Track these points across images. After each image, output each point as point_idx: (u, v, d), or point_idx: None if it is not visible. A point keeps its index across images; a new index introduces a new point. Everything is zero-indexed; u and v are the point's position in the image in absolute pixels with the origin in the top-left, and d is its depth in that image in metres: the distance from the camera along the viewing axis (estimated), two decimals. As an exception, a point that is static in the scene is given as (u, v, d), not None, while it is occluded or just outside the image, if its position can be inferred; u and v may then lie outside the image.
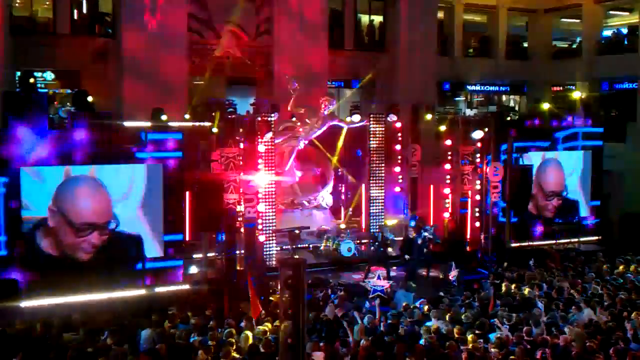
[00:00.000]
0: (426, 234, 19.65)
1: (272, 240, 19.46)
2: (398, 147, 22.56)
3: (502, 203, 21.19)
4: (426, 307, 14.48)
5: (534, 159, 22.18)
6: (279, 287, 10.10)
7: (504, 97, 36.77)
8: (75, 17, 25.12)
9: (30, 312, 14.66)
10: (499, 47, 33.55)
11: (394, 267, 19.73)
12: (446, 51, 32.02)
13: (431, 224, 21.27)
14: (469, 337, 12.11)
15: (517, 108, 36.28)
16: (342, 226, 22.38)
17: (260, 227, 18.82)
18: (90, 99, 17.77)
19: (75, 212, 15.54)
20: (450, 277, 18.48)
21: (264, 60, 26.07)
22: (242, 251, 18.02)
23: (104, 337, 12.58)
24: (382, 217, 22.10)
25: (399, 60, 28.34)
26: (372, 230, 21.75)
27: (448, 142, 21.95)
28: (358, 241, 21.37)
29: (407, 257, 19.27)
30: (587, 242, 23.11)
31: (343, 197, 24.25)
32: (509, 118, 27.62)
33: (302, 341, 9.12)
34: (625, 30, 32.73)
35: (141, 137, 16.17)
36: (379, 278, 17.35)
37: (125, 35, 23.54)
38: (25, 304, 15.03)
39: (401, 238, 20.46)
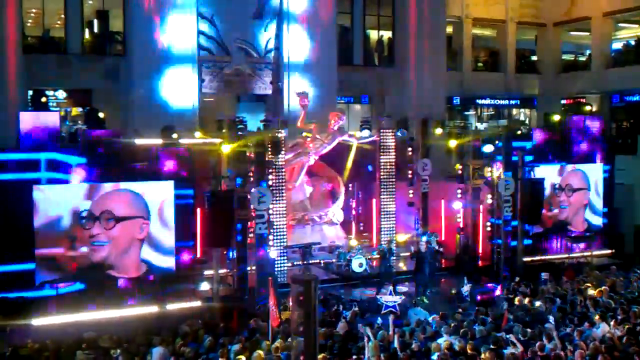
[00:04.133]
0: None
1: (284, 256, 19.46)
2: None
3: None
4: (438, 323, 14.37)
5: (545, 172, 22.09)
6: (290, 304, 10.07)
7: (514, 111, 36.71)
8: (87, 36, 25.40)
9: (42, 331, 14.67)
10: (508, 61, 33.57)
11: (406, 282, 19.63)
12: (455, 66, 32.07)
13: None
14: (483, 353, 11.99)
15: (527, 122, 36.21)
16: (353, 242, 22.31)
17: (271, 243, 18.82)
18: (101, 116, 17.87)
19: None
20: (462, 293, 18.35)
21: (273, 77, 26.16)
22: (254, 267, 18.01)
23: (115, 355, 12.56)
24: (393, 232, 21.99)
25: (409, 76, 28.38)
26: (380, 246, 21.55)
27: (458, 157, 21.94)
28: (369, 257, 21.30)
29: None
30: (599, 256, 22.92)
31: (354, 212, 24.17)
32: (519, 132, 27.44)
33: (314, 358, 9.08)
34: (634, 42, 32.65)
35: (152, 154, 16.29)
36: (390, 294, 17.25)
37: (136, 53, 23.71)
38: (36, 322, 15.06)
39: (408, 253, 20.40)
